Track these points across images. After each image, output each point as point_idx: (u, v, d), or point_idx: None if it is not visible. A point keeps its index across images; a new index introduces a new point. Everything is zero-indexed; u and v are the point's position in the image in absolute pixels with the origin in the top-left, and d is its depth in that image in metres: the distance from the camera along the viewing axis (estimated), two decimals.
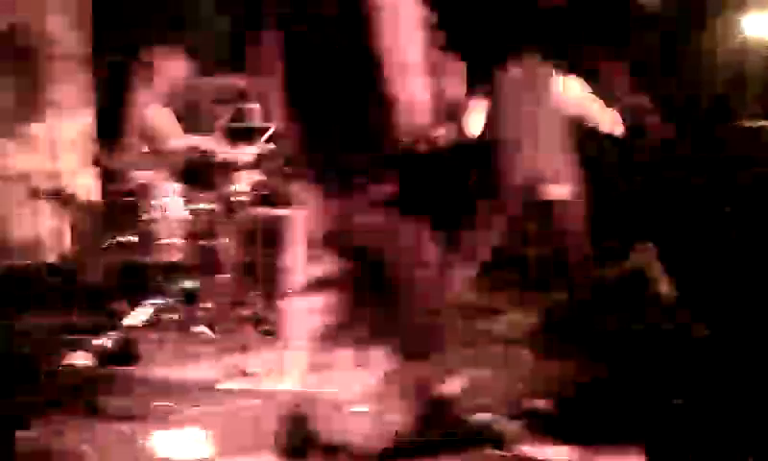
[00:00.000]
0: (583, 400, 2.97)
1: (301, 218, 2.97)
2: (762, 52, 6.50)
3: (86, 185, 4.53)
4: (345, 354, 3.19)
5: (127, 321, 3.90)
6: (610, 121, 3.84)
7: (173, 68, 4.74)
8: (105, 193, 4.62)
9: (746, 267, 4.14)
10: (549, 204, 3.69)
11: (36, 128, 4.13)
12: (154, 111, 4.63)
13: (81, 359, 3.42)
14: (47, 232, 4.20)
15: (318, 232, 2.83)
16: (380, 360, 3.22)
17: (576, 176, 3.74)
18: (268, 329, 4.11)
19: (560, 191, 3.63)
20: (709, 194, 4.67)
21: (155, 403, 3.21)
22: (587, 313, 3.72)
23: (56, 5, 4.31)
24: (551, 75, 3.75)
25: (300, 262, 3.02)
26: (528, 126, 3.66)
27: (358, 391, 3.18)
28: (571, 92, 3.78)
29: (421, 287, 2.82)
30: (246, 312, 4.13)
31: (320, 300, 2.93)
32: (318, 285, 2.90)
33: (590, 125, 3.86)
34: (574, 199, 3.71)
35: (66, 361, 3.37)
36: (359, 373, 3.30)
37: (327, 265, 2.88)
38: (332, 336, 2.95)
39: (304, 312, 2.95)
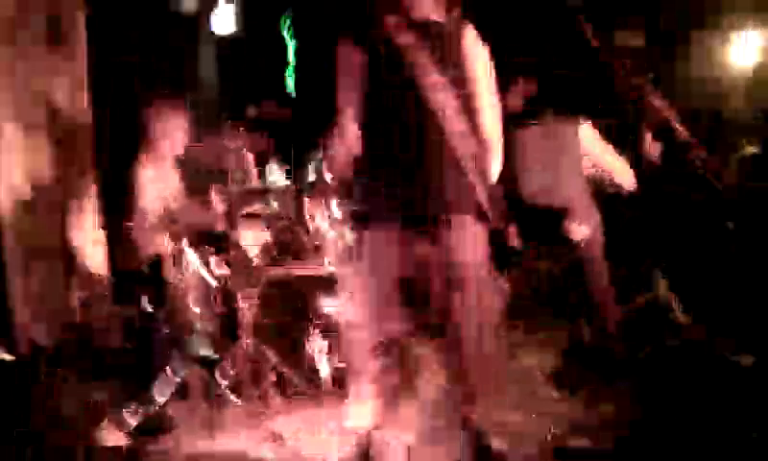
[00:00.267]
0: (630, 434, 2.96)
1: (351, 272, 2.99)
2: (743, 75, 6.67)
3: (96, 254, 4.45)
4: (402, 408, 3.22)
5: (154, 391, 3.81)
6: (624, 173, 3.89)
7: (174, 129, 4.69)
8: (114, 262, 4.56)
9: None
10: (572, 242, 3.72)
11: (48, 201, 4.05)
12: (158, 178, 4.60)
13: (114, 434, 3.32)
14: (59, 308, 4.09)
15: (384, 282, 2.85)
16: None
17: (595, 212, 3.78)
18: (294, 391, 4.06)
19: (582, 230, 3.67)
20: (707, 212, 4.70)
21: None
22: (618, 345, 3.73)
23: (61, 75, 4.27)
24: (574, 127, 3.81)
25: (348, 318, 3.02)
26: (550, 173, 3.73)
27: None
28: (587, 143, 3.82)
29: (481, 325, 2.85)
30: (271, 375, 4.04)
31: (384, 358, 2.92)
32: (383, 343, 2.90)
33: (606, 176, 3.89)
34: (595, 235, 3.74)
35: (101, 436, 3.26)
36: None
37: (391, 320, 2.89)
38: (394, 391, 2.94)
39: (368, 370, 2.94)
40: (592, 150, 3.83)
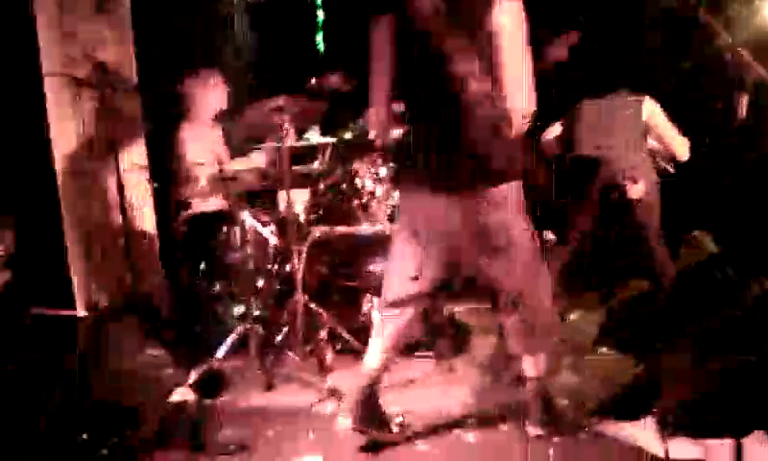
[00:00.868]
0: (703, 393, 2.95)
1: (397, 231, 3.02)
2: None
3: (148, 219, 4.48)
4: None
5: (211, 349, 3.87)
6: (683, 147, 3.86)
7: (212, 95, 4.72)
8: (163, 225, 4.59)
9: None
10: (628, 203, 3.70)
11: (97, 163, 4.08)
12: (202, 140, 4.64)
13: (182, 394, 3.38)
14: (112, 268, 4.14)
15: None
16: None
17: (652, 174, 3.75)
18: (345, 348, 4.11)
19: (639, 189, 3.65)
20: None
21: (262, 433, 3.21)
22: (676, 303, 3.72)
23: (108, 36, 4.28)
24: (638, 102, 3.78)
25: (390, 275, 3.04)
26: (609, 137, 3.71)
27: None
28: (652, 118, 3.79)
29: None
30: (323, 332, 4.08)
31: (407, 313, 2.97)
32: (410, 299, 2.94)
33: (664, 150, 3.86)
34: (652, 196, 3.72)
35: (169, 397, 3.31)
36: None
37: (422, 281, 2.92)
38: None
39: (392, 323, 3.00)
40: (656, 125, 3.80)
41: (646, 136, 3.79)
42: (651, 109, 3.79)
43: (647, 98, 3.80)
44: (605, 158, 3.70)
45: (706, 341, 3.41)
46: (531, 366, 3.05)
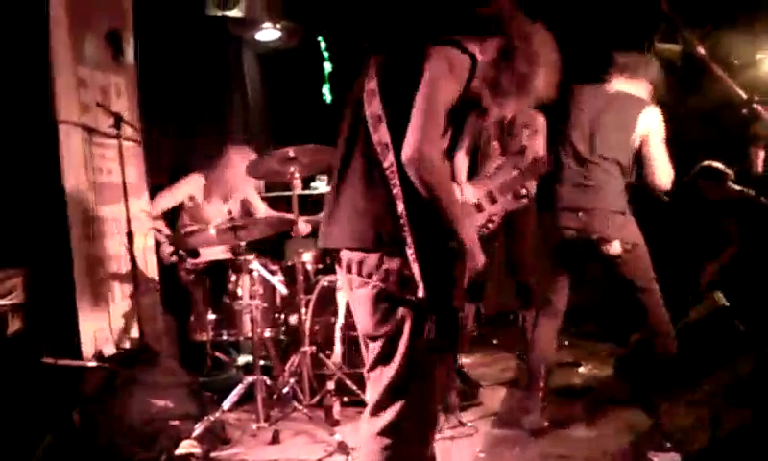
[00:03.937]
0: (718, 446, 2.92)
1: None
2: None
3: (152, 266, 4.47)
4: None
5: (217, 399, 3.82)
6: (666, 173, 3.62)
7: (235, 171, 4.67)
8: (170, 273, 4.57)
9: None
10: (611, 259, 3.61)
11: (106, 210, 4.08)
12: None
13: (187, 446, 3.31)
14: (118, 317, 4.10)
15: None
16: None
17: (633, 230, 3.65)
18: (353, 400, 4.05)
19: (616, 247, 3.55)
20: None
21: None
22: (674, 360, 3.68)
23: (120, 87, 4.32)
24: (640, 106, 3.58)
25: None
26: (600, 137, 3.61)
27: None
28: (650, 125, 3.58)
29: None
30: (330, 384, 4.03)
31: None
32: None
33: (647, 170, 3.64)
34: (633, 252, 3.61)
35: (176, 451, 3.25)
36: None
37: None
38: None
39: None
40: (652, 134, 3.56)
41: (641, 146, 3.61)
42: (652, 120, 3.57)
43: (653, 107, 3.59)
44: (583, 221, 3.63)
45: (719, 394, 3.39)
46: None
